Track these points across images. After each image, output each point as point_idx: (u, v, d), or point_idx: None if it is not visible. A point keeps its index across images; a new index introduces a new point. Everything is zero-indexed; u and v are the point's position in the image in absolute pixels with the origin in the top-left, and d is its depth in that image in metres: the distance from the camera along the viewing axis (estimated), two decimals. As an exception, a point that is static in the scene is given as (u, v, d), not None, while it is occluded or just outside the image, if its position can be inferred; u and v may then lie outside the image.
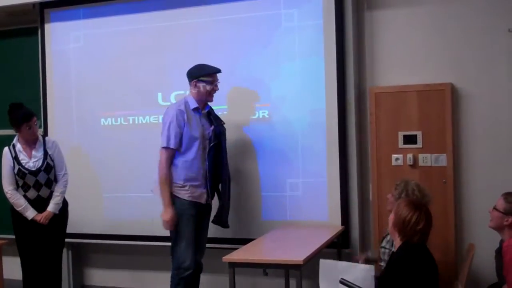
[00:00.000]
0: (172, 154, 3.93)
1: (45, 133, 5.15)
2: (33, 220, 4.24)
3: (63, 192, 4.39)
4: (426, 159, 4.21)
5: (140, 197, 4.76)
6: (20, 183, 4.26)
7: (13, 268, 4.59)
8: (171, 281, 3.94)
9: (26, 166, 4.24)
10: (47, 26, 5.22)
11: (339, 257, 4.21)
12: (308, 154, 4.43)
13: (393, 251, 3.12)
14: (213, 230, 4.24)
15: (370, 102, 4.36)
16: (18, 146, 4.28)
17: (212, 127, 4.04)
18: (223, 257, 3.42)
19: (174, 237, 3.95)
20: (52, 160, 4.33)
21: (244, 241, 4.05)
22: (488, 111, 4.17)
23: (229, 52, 4.61)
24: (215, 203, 4.16)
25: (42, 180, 4.28)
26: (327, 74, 4.36)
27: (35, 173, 4.25)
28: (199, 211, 3.99)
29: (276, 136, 4.50)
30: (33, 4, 5.21)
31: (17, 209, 4.26)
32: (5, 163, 4.27)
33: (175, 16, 4.79)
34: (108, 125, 5.03)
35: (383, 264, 3.44)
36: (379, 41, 4.44)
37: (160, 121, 4.15)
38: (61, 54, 5.18)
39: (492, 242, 3.51)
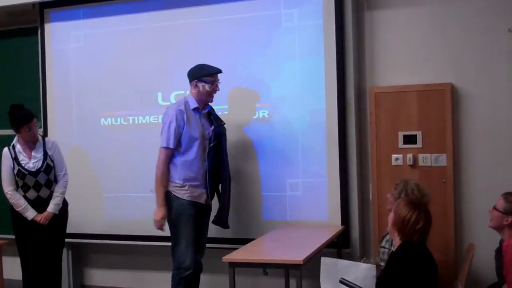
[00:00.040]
0: (171, 154, 3.93)
1: (45, 133, 5.15)
2: (33, 221, 4.24)
3: (63, 193, 4.39)
4: (426, 159, 4.21)
5: (140, 197, 4.76)
6: (20, 183, 4.26)
7: (13, 268, 4.59)
8: (171, 281, 3.94)
9: (26, 167, 4.24)
10: (47, 26, 5.22)
11: (339, 257, 4.20)
12: (308, 154, 4.43)
13: (392, 251, 3.13)
14: (213, 230, 4.24)
15: (370, 102, 4.36)
16: (18, 147, 4.28)
17: (212, 127, 4.04)
18: (223, 257, 3.42)
19: (174, 237, 3.95)
20: (52, 161, 4.33)
21: (245, 241, 4.05)
22: (488, 111, 4.17)
23: (229, 52, 4.61)
24: (216, 203, 4.16)
25: (42, 180, 4.28)
26: (327, 74, 4.36)
27: (35, 173, 4.25)
28: (199, 211, 3.99)
29: (276, 136, 4.50)
30: (33, 4, 5.21)
31: (17, 210, 4.26)
32: (5, 164, 4.27)
33: (175, 16, 4.79)
34: (108, 125, 5.03)
35: (382, 263, 3.44)
36: (379, 41, 4.44)
37: (160, 121, 4.15)
38: (61, 54, 5.18)
39: (492, 242, 3.51)
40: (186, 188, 3.93)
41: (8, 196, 4.26)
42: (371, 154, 4.37)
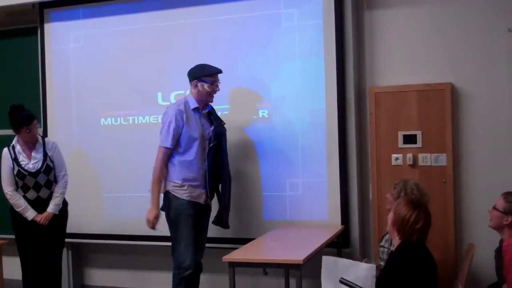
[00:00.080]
0: (169, 153, 3.94)
1: (45, 133, 5.15)
2: (33, 221, 4.24)
3: (63, 193, 4.39)
4: (426, 159, 4.21)
5: (140, 197, 4.75)
6: (20, 184, 4.26)
7: (13, 268, 4.59)
8: (172, 281, 3.93)
9: (26, 168, 4.24)
10: (47, 26, 5.22)
11: (339, 257, 4.20)
12: (308, 154, 4.43)
13: (392, 250, 3.13)
14: (213, 230, 4.24)
15: (370, 102, 4.36)
16: (18, 148, 4.28)
17: (212, 127, 4.03)
18: (223, 257, 3.42)
19: (174, 237, 3.96)
20: (52, 162, 4.33)
21: (245, 241, 4.05)
22: (488, 111, 4.17)
23: (229, 52, 4.61)
24: (216, 203, 4.16)
25: (41, 181, 4.28)
26: (327, 74, 4.36)
27: (34, 174, 4.25)
28: (198, 211, 3.99)
29: (276, 136, 4.50)
30: (33, 4, 5.21)
31: (17, 210, 4.26)
32: (4, 164, 4.27)
33: (175, 16, 4.79)
34: (108, 125, 5.03)
35: (382, 263, 3.44)
36: (379, 41, 4.44)
37: (160, 121, 4.15)
38: (61, 54, 5.18)
39: (491, 242, 3.51)
40: (186, 188, 3.93)
41: (8, 196, 4.26)
42: (371, 154, 4.37)
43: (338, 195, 4.34)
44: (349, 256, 4.18)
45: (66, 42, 5.15)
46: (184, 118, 3.92)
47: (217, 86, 4.03)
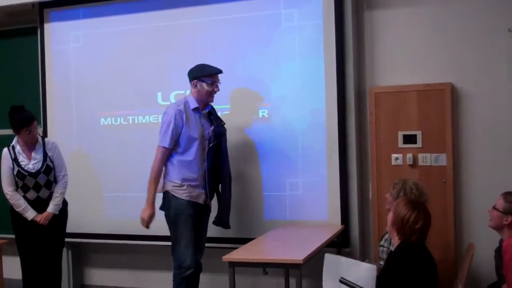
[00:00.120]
0: (168, 153, 3.94)
1: (45, 133, 5.15)
2: (32, 221, 4.24)
3: (63, 193, 4.39)
4: (425, 159, 4.21)
5: (140, 196, 4.70)
6: (20, 184, 4.26)
7: (13, 267, 4.59)
8: (173, 281, 3.93)
9: (26, 168, 4.24)
10: (47, 26, 5.22)
11: (339, 257, 4.21)
12: (308, 154, 4.43)
13: (391, 250, 3.13)
14: (214, 230, 4.24)
15: (370, 102, 4.36)
16: (18, 148, 4.28)
17: (212, 128, 4.03)
18: (223, 257, 3.43)
19: (174, 236, 3.96)
20: (52, 162, 4.33)
21: (245, 241, 4.05)
22: (488, 111, 4.17)
23: (229, 52, 4.61)
24: (216, 204, 4.16)
25: (41, 181, 4.28)
26: (327, 74, 4.36)
27: (34, 175, 4.25)
28: (197, 211, 3.98)
29: (276, 136, 4.51)
30: (33, 4, 5.21)
31: (17, 210, 4.26)
32: (4, 165, 4.27)
33: (175, 16, 4.80)
34: (108, 124, 5.03)
35: (382, 263, 3.44)
36: (379, 41, 4.44)
37: (160, 120, 4.15)
38: (61, 54, 5.18)
39: (491, 242, 3.51)
40: (185, 188, 3.93)
41: (8, 196, 4.26)
42: (371, 154, 4.37)
43: (338, 195, 4.34)
44: (349, 256, 4.19)
45: (66, 42, 5.15)
46: (184, 118, 3.92)
47: (217, 86, 4.02)
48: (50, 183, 4.33)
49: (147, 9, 4.89)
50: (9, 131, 4.59)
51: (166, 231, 4.03)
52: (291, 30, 4.47)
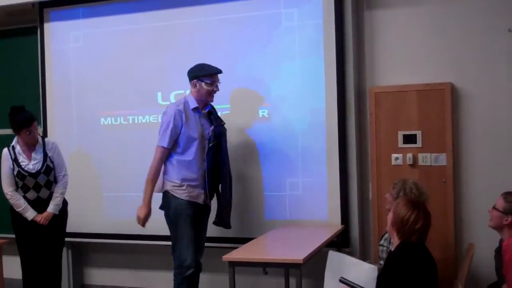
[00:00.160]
0: (167, 153, 3.94)
1: (45, 133, 5.15)
2: (33, 221, 4.24)
3: (63, 193, 4.39)
4: (425, 159, 4.21)
5: (140, 196, 4.72)
6: (20, 184, 4.26)
7: (13, 267, 4.59)
8: (174, 280, 3.93)
9: (26, 169, 4.24)
10: (47, 26, 5.22)
11: (339, 257, 4.22)
12: (308, 154, 4.43)
13: (390, 250, 3.13)
14: (215, 230, 4.24)
15: (370, 101, 4.36)
16: (18, 148, 4.28)
17: (212, 127, 4.03)
18: (223, 256, 3.43)
19: (174, 236, 3.95)
20: (52, 162, 4.33)
21: (246, 241, 4.05)
22: (488, 111, 4.17)
23: (229, 52, 4.61)
24: (216, 204, 4.16)
25: (41, 181, 4.28)
26: (327, 74, 4.36)
27: (35, 175, 4.25)
28: (197, 211, 3.98)
29: (276, 136, 4.50)
30: (33, 4, 5.21)
31: (17, 210, 4.26)
32: (4, 165, 4.27)
33: (174, 16, 4.79)
34: (108, 124, 5.03)
35: (382, 262, 3.44)
36: (379, 41, 4.44)
37: (160, 120, 4.15)
38: (61, 54, 5.18)
39: (491, 242, 3.52)
40: (184, 188, 3.93)
41: (8, 196, 4.26)
42: (371, 153, 4.37)
43: (338, 195, 4.34)
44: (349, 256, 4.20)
45: (65, 42, 5.15)
46: (183, 118, 3.92)
47: (216, 86, 4.02)
48: (50, 183, 4.33)
49: (148, 8, 4.88)
50: (9, 131, 4.58)
51: (166, 231, 4.03)
52: (291, 29, 4.47)
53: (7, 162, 4.25)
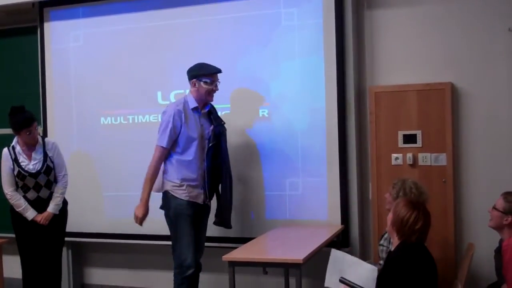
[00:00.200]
0: (166, 153, 3.94)
1: (45, 132, 5.15)
2: (33, 220, 4.25)
3: (63, 193, 4.39)
4: (425, 159, 4.21)
5: (140, 196, 4.76)
6: (20, 184, 4.26)
7: (13, 266, 4.60)
8: (174, 280, 3.93)
9: (26, 169, 4.24)
10: (47, 25, 5.21)
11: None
12: (308, 154, 4.43)
13: (390, 250, 3.13)
14: (215, 230, 4.24)
15: (370, 101, 4.36)
16: (18, 148, 4.28)
17: (212, 127, 4.03)
18: (223, 256, 3.43)
19: (174, 236, 3.96)
20: (52, 162, 4.33)
21: (246, 240, 4.06)
22: (488, 111, 4.17)
23: (229, 51, 4.60)
24: (215, 204, 4.16)
25: (42, 181, 4.28)
26: (327, 73, 4.36)
27: (35, 175, 4.25)
28: (197, 211, 3.98)
29: (276, 135, 4.50)
30: (33, 3, 5.21)
31: (17, 210, 4.27)
32: (4, 165, 4.27)
33: (174, 15, 4.79)
34: (108, 124, 5.03)
35: (381, 262, 3.44)
36: (379, 41, 4.44)
37: (160, 120, 4.15)
38: (61, 53, 5.17)
39: (491, 242, 3.52)
40: (184, 187, 3.93)
41: (8, 196, 4.26)
42: (371, 153, 4.37)
43: (338, 195, 4.34)
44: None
45: (66, 41, 5.15)
46: (183, 118, 3.91)
47: (216, 85, 4.02)
48: (50, 183, 4.33)
49: (147, 8, 4.88)
50: (9, 131, 4.58)
51: (166, 231, 4.03)
52: (291, 29, 4.46)
53: (7, 162, 4.25)
